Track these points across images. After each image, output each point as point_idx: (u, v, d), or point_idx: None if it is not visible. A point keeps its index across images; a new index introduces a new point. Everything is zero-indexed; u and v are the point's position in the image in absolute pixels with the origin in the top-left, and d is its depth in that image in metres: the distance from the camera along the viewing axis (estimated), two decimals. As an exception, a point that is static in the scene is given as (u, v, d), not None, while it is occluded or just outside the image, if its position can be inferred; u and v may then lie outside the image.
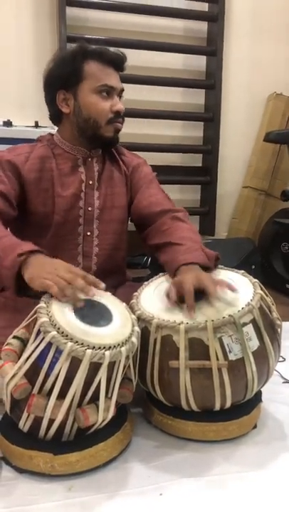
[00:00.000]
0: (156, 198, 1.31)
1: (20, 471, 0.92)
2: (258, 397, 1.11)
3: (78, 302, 0.92)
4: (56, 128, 1.33)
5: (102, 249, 1.29)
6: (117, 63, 1.25)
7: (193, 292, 0.99)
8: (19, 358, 0.91)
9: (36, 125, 2.18)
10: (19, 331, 0.97)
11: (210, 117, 2.67)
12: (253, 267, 2.26)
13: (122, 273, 1.41)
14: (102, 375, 0.87)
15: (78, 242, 1.28)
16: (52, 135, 1.33)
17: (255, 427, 1.08)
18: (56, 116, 1.29)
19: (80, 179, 1.28)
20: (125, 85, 1.28)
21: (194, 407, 1.01)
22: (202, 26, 2.66)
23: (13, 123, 2.14)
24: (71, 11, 2.35)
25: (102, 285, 0.97)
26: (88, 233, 1.28)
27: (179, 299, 1.02)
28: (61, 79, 1.23)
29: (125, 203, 1.34)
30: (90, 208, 1.28)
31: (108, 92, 1.23)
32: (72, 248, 1.27)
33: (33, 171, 1.23)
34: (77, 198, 1.27)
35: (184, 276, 1.03)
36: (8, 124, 2.12)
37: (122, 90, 1.27)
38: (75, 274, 0.94)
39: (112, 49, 1.26)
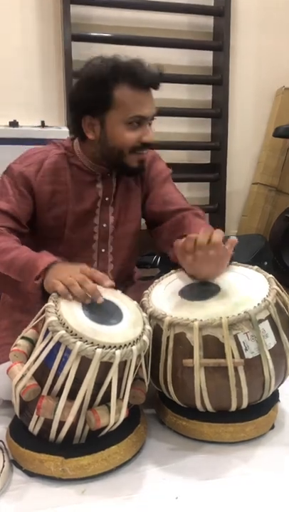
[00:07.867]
0: (171, 196, 1.27)
1: (31, 474, 0.90)
2: (275, 397, 1.08)
3: (86, 299, 0.91)
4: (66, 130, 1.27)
5: (117, 265, 1.27)
6: (153, 84, 1.12)
7: None
8: (28, 359, 0.90)
9: (42, 125, 2.16)
10: (28, 331, 0.95)
11: (218, 113, 2.64)
12: (266, 263, 2.23)
13: (132, 274, 1.39)
14: (113, 375, 0.84)
15: (93, 259, 1.24)
16: (72, 140, 1.23)
17: (272, 427, 1.05)
18: (80, 136, 1.19)
19: (96, 195, 1.22)
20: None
21: (209, 408, 0.98)
22: (208, 21, 2.62)
23: (19, 123, 2.12)
24: (75, 9, 2.33)
25: (109, 283, 0.95)
26: (103, 250, 1.25)
27: (187, 296, 1.02)
28: (88, 103, 1.11)
29: (139, 214, 1.29)
30: (104, 225, 1.23)
31: (139, 122, 1.12)
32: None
33: (44, 184, 1.17)
34: (91, 214, 1.22)
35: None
36: (14, 124, 2.10)
37: (156, 112, 1.15)
38: (84, 276, 0.93)
39: (146, 64, 1.11)
